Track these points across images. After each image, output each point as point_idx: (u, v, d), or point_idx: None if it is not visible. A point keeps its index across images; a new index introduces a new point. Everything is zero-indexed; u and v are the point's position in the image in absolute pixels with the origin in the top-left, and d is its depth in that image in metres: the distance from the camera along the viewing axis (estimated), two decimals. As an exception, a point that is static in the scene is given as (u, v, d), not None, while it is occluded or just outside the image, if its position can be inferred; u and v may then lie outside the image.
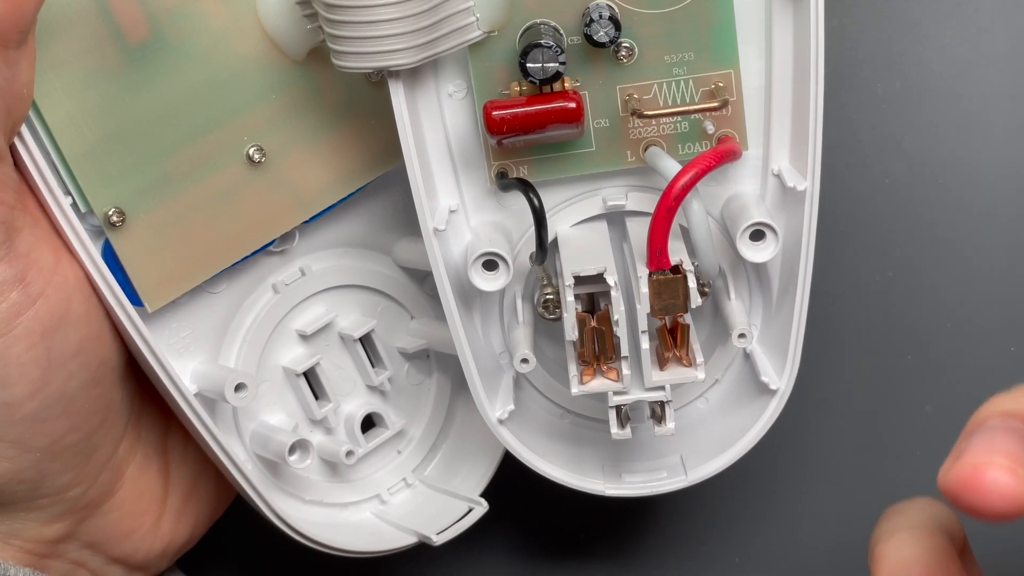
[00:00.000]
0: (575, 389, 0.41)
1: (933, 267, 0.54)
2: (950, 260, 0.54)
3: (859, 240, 0.54)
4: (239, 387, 0.43)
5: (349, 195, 0.45)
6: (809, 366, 0.44)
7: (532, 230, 0.41)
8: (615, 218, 0.44)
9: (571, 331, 0.41)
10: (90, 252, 0.40)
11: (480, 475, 0.49)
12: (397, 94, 0.40)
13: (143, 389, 0.44)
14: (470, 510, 0.48)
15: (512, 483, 0.48)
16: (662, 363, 0.42)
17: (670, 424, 0.42)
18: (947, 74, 0.53)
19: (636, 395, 0.42)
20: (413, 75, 0.41)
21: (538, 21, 0.41)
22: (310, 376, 0.47)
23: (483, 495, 0.48)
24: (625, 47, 0.41)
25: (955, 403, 0.55)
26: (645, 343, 0.41)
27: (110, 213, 0.41)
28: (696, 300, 0.40)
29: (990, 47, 0.53)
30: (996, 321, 0.54)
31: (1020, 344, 0.54)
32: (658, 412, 0.42)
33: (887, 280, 0.54)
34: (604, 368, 0.42)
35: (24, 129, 0.39)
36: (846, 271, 0.54)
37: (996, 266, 0.54)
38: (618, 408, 0.42)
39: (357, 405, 0.48)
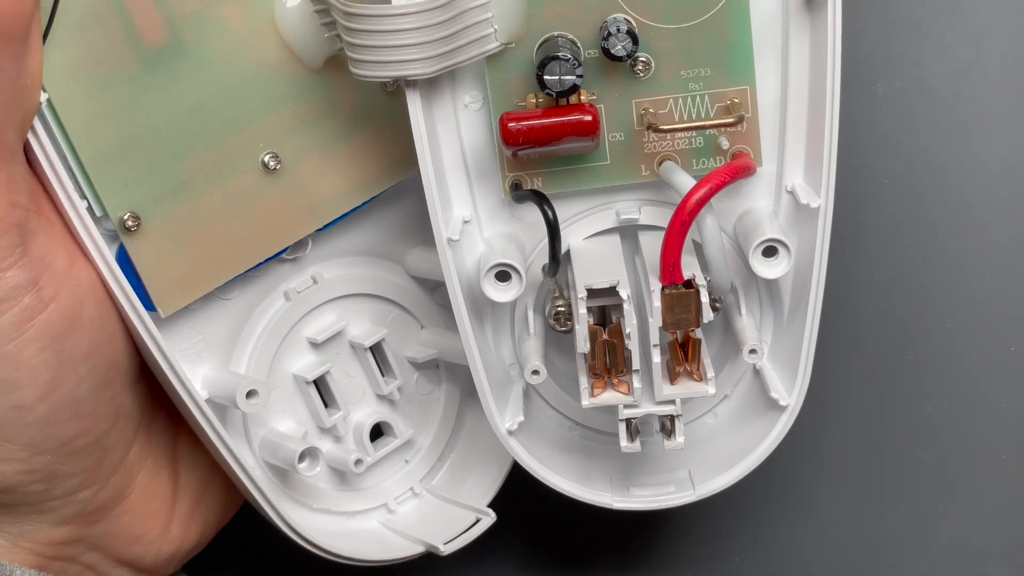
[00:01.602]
0: (586, 402, 0.41)
1: (933, 267, 0.54)
2: (950, 260, 0.54)
3: (859, 240, 0.54)
4: (250, 394, 0.43)
5: (362, 204, 0.46)
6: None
7: (545, 242, 0.41)
8: (628, 231, 0.44)
9: (583, 344, 0.41)
10: (105, 256, 0.40)
11: (488, 485, 0.49)
12: (414, 104, 0.40)
13: (154, 394, 0.44)
14: (477, 520, 0.48)
15: (520, 494, 0.48)
16: (673, 377, 0.42)
17: (679, 438, 0.42)
18: (947, 74, 0.53)
19: (646, 409, 0.42)
20: (430, 85, 0.41)
21: (556, 34, 0.41)
22: (320, 384, 0.47)
23: (491, 506, 0.48)
24: (642, 61, 0.41)
25: (955, 403, 0.55)
26: (656, 357, 0.41)
27: (125, 217, 0.41)
28: (708, 315, 0.40)
29: (990, 47, 0.53)
30: (996, 321, 0.54)
31: (1020, 344, 0.54)
32: (668, 426, 0.42)
33: (887, 280, 0.54)
34: (615, 381, 0.42)
35: (41, 131, 0.39)
36: (846, 271, 0.54)
37: (996, 266, 0.54)
38: (628, 421, 0.42)
39: (366, 414, 0.48)
